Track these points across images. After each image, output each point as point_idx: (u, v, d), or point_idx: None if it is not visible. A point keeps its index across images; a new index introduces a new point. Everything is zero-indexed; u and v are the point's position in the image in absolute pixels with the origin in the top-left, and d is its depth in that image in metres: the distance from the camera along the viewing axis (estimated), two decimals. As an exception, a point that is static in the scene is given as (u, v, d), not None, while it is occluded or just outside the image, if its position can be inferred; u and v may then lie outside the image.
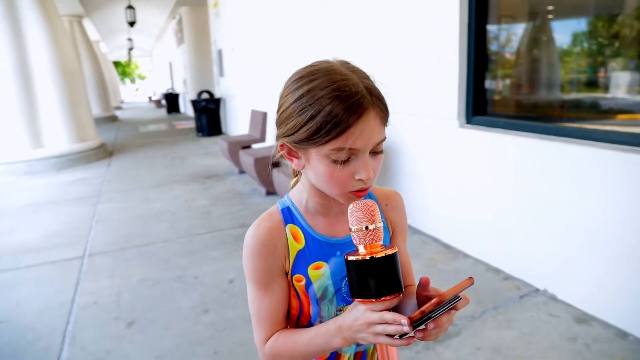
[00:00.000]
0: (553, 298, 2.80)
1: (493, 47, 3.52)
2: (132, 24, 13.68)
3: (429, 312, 0.69)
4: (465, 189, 3.45)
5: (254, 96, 8.61)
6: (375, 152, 0.81)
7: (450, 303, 0.72)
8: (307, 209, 0.91)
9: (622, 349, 2.29)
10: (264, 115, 7.20)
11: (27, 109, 7.90)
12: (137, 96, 49.85)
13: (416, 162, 3.98)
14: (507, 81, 3.64)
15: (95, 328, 2.72)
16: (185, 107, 19.28)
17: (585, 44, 3.05)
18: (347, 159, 0.77)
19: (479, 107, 3.40)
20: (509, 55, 3.61)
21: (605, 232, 2.48)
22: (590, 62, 3.01)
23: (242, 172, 6.94)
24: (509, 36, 3.56)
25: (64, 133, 8.39)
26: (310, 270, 0.88)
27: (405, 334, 0.71)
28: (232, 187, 5.96)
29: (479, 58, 3.34)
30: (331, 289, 0.89)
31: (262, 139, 7.06)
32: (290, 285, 0.90)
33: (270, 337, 0.89)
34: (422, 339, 0.75)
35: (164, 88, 26.81)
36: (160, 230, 4.48)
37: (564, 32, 3.21)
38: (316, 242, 0.89)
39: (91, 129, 9.41)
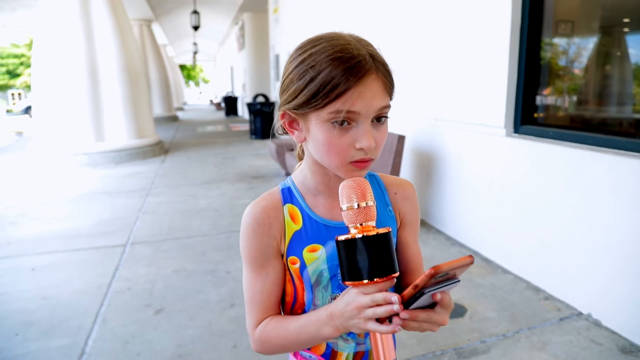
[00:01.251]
0: (597, 324, 2.60)
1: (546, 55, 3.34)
2: (196, 28, 14.22)
3: (422, 287, 0.64)
4: (509, 200, 3.29)
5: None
6: (378, 121, 0.77)
7: (448, 282, 0.67)
8: (308, 189, 0.88)
9: (669, 384, 2.09)
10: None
11: (93, 105, 8.36)
12: (200, 99, 51.75)
13: (461, 170, 3.85)
14: (556, 91, 3.45)
15: (126, 312, 2.81)
16: (243, 110, 19.77)
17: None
18: (347, 124, 0.74)
19: (527, 116, 3.24)
20: (561, 65, 3.42)
21: (657, 256, 2.27)
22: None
23: (288, 174, 6.99)
24: (560, 46, 3.38)
25: (125, 129, 8.81)
26: (306, 253, 0.84)
27: (397, 318, 0.67)
28: (276, 189, 5.98)
29: (529, 66, 3.18)
30: (326, 275, 0.85)
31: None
32: (286, 269, 0.87)
33: (261, 322, 0.86)
34: (411, 328, 0.69)
35: (225, 92, 27.64)
36: (201, 225, 4.58)
37: (622, 44, 3.00)
38: (314, 223, 0.85)
39: (150, 126, 9.82)
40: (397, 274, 0.70)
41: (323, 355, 0.90)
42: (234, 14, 16.36)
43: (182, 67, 45.34)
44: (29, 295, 3.08)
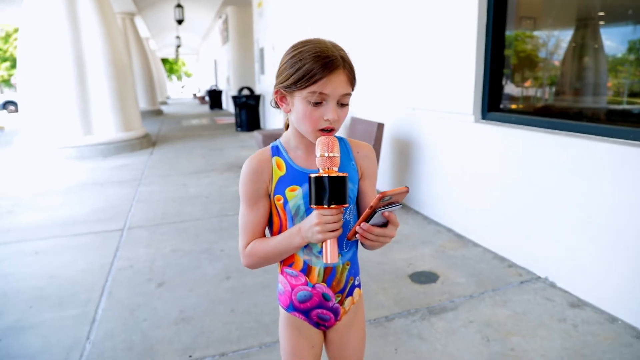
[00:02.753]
0: (552, 285, 2.94)
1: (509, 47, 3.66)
2: (180, 22, 14.31)
3: (375, 207, 0.96)
4: (478, 181, 3.62)
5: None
6: (342, 104, 1.08)
7: (393, 205, 0.99)
8: (290, 147, 1.18)
9: (608, 331, 2.42)
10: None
11: (81, 99, 8.50)
12: (182, 93, 51.40)
13: (436, 155, 4.17)
14: (517, 79, 3.78)
15: (130, 286, 3.07)
16: (228, 103, 19.90)
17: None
18: (319, 102, 1.04)
19: (493, 104, 3.56)
20: (521, 55, 3.75)
21: (603, 223, 2.60)
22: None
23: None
24: (522, 36, 3.70)
25: (112, 122, 8.96)
26: (287, 192, 1.14)
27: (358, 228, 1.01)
28: (263, 177, 6.24)
29: (494, 59, 3.50)
30: (302, 208, 1.14)
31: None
32: (273, 205, 1.17)
33: (250, 243, 1.17)
34: (370, 241, 1.02)
35: (209, 85, 27.66)
36: (194, 210, 4.84)
37: (577, 35, 3.33)
38: (294, 170, 1.15)
39: (137, 120, 9.98)
40: (347, 205, 1.01)
41: (302, 270, 1.19)
42: (218, 7, 16.44)
43: (165, 61, 44.99)
44: (37, 274, 3.31)
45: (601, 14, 3.22)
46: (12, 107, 27.46)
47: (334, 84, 1.03)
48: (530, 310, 2.64)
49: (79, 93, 8.46)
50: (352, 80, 1.09)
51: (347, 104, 1.09)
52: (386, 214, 0.99)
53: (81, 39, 8.46)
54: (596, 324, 2.50)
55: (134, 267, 3.38)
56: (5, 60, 37.53)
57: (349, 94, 1.08)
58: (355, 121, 4.98)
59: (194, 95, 35.68)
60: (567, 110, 3.37)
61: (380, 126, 4.39)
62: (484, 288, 2.92)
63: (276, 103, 1.15)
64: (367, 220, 0.98)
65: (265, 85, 12.10)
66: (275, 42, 10.43)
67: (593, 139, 2.67)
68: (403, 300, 2.78)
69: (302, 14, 8.09)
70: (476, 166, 3.64)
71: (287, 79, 1.06)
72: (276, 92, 1.13)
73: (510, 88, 3.80)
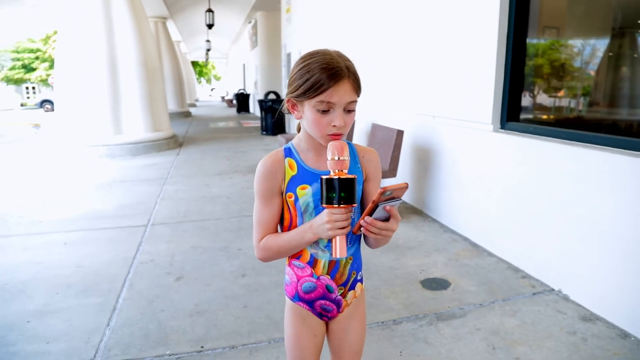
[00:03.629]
0: (565, 298, 2.94)
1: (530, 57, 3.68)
2: (210, 26, 14.64)
3: (377, 202, 1.03)
4: (495, 191, 3.63)
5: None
6: (348, 110, 1.16)
7: (394, 200, 1.07)
8: (302, 149, 1.27)
9: (619, 346, 2.41)
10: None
11: (112, 99, 8.81)
12: (211, 96, 52.29)
13: (455, 163, 4.19)
14: (540, 90, 3.79)
15: (150, 279, 3.20)
16: (255, 107, 20.20)
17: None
18: (327, 110, 1.13)
19: (512, 114, 3.58)
20: (546, 65, 3.75)
21: (619, 237, 2.59)
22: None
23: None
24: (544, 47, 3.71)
25: (142, 123, 9.24)
26: (298, 190, 1.23)
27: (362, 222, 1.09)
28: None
29: (514, 69, 3.52)
30: (311, 205, 1.22)
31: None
32: (285, 202, 1.26)
33: (264, 237, 1.26)
34: (374, 234, 1.09)
35: (237, 89, 28.10)
36: (215, 210, 4.98)
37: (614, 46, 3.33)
38: (305, 171, 1.24)
39: (165, 121, 10.26)
40: (356, 205, 1.09)
41: (308, 262, 1.27)
42: (247, 12, 16.76)
43: (194, 64, 45.89)
44: (64, 264, 3.48)
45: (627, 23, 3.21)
46: (48, 106, 28.50)
47: (339, 93, 1.11)
48: (539, 322, 2.65)
49: (111, 94, 8.76)
50: (356, 88, 1.16)
51: (353, 110, 1.17)
52: (387, 208, 1.06)
53: (115, 42, 8.77)
54: (607, 338, 2.49)
55: (154, 261, 3.51)
56: (44, 60, 38.99)
57: (354, 101, 1.16)
58: (375, 128, 5.04)
59: (222, 98, 36.27)
60: (588, 121, 3.36)
61: (400, 133, 4.45)
62: (495, 297, 2.94)
63: (288, 110, 1.24)
64: (370, 214, 1.07)
65: (292, 90, 12.25)
66: (302, 48, 10.58)
67: (611, 151, 2.66)
68: (412, 305, 2.82)
69: (329, 21, 8.21)
70: (493, 175, 3.65)
71: (297, 89, 1.15)
72: (288, 101, 1.22)
73: (532, 98, 3.81)
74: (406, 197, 5.29)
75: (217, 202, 5.34)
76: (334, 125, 1.13)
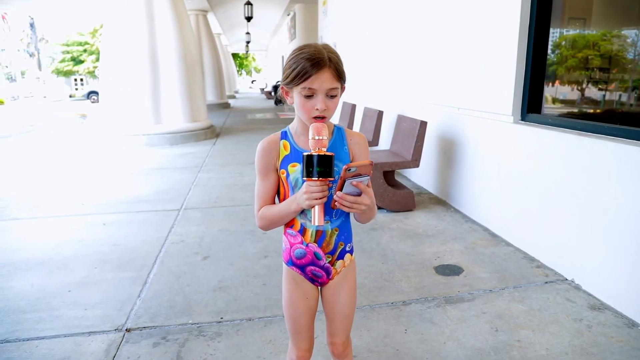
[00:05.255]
0: (577, 287, 2.98)
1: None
2: (249, 19, 14.95)
3: (344, 178, 1.18)
4: (514, 182, 3.68)
5: (348, 89, 9.16)
6: (331, 95, 1.31)
7: (361, 176, 1.20)
8: (295, 132, 1.44)
9: (623, 334, 2.45)
10: (353, 106, 7.72)
11: (153, 91, 9.20)
12: (251, 87, 53.01)
13: (477, 154, 4.24)
14: (560, 82, 3.78)
15: (179, 257, 3.45)
16: (291, 99, 20.37)
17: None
18: (310, 95, 1.29)
19: (533, 106, 3.60)
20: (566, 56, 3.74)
21: (635, 229, 2.62)
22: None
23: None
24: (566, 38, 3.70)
25: (180, 113, 9.62)
26: (289, 167, 1.40)
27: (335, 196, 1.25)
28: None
29: (535, 61, 3.54)
30: (300, 181, 1.38)
31: (349, 127, 7.57)
32: (279, 178, 1.43)
33: (262, 208, 1.44)
34: (346, 207, 1.25)
35: (275, 81, 28.45)
36: (245, 197, 5.21)
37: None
38: (296, 151, 1.41)
39: (203, 112, 10.62)
40: (333, 179, 1.24)
41: (299, 231, 1.44)
42: (286, 4, 16.97)
43: (235, 56, 46.67)
44: (102, 242, 3.79)
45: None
46: (94, 97, 29.73)
47: (320, 80, 1.27)
48: (546, 308, 2.71)
49: (152, 85, 9.16)
50: (337, 76, 1.31)
51: (335, 96, 1.33)
52: (354, 183, 1.21)
53: (156, 36, 9.15)
54: (613, 326, 2.53)
55: (184, 242, 3.77)
56: (92, 53, 40.62)
57: (336, 88, 1.31)
58: (401, 119, 5.13)
59: (262, 90, 36.77)
60: (604, 114, 3.35)
61: (423, 124, 4.52)
62: (506, 284, 3.02)
63: (283, 96, 1.41)
64: (341, 190, 1.22)
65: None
66: (337, 40, 10.69)
67: (629, 143, 2.68)
68: (423, 289, 2.94)
69: (362, 13, 8.28)
70: (513, 167, 3.70)
71: (287, 77, 1.31)
72: (282, 88, 1.39)
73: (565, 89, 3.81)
74: (430, 188, 5.36)
75: (248, 189, 5.57)
76: (317, 109, 1.29)
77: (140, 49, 8.98)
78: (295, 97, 1.33)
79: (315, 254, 1.45)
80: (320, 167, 1.21)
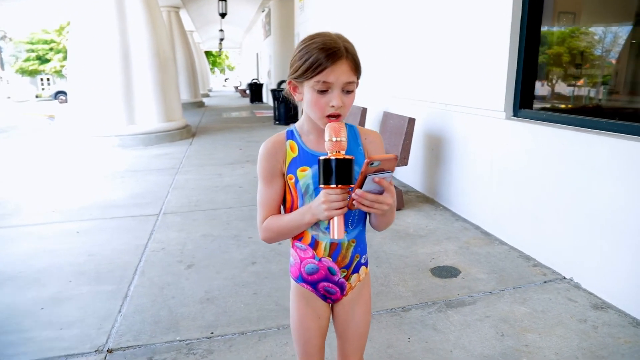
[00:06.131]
0: (577, 286, 2.90)
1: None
2: (223, 15, 14.63)
3: (365, 173, 1.02)
4: (507, 179, 3.59)
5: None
6: (347, 91, 1.16)
7: (384, 172, 1.04)
8: (303, 132, 1.28)
9: (630, 334, 2.38)
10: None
11: (125, 90, 8.85)
12: (225, 86, 52.36)
13: (466, 151, 4.15)
14: (553, 78, 3.72)
15: (161, 267, 3.24)
16: (268, 97, 20.18)
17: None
18: (325, 90, 1.13)
19: (525, 101, 3.52)
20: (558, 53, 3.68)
21: (631, 225, 2.55)
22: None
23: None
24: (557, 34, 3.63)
25: (154, 113, 9.28)
26: (298, 172, 1.24)
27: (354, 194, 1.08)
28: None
29: (527, 56, 3.45)
30: (311, 187, 1.23)
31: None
32: (285, 184, 1.27)
33: (267, 218, 1.27)
34: (366, 207, 1.08)
35: (250, 79, 28.11)
36: (227, 199, 5.00)
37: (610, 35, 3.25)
38: (305, 153, 1.25)
39: (178, 111, 10.31)
40: (352, 185, 1.08)
41: (310, 244, 1.28)
42: (261, 0, 16.69)
43: (208, 54, 45.96)
44: (77, 252, 3.54)
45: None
46: (62, 97, 28.83)
47: (337, 72, 1.11)
48: (550, 309, 2.62)
49: (124, 84, 8.80)
50: (355, 69, 1.16)
51: (352, 91, 1.17)
52: (377, 179, 1.05)
53: (127, 32, 8.79)
54: (618, 326, 2.46)
55: (166, 249, 3.55)
56: (58, 52, 39.34)
57: (352, 82, 1.16)
58: (387, 116, 5.00)
59: (236, 88, 36.29)
60: (598, 109, 3.30)
61: (412, 121, 4.41)
62: (505, 285, 2.92)
63: (290, 93, 1.24)
64: (361, 187, 1.06)
65: (304, 79, 12.21)
66: (314, 37, 10.50)
67: (626, 138, 2.61)
68: (422, 293, 2.82)
69: (341, 9, 8.13)
70: (505, 164, 3.61)
71: (297, 70, 1.15)
72: (289, 83, 1.22)
73: (550, 87, 3.74)
74: (417, 186, 5.26)
75: (229, 191, 5.36)
76: (332, 106, 1.13)
77: (111, 46, 8.61)
78: (306, 93, 1.17)
79: (329, 269, 1.29)
80: (339, 172, 1.06)
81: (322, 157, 1.08)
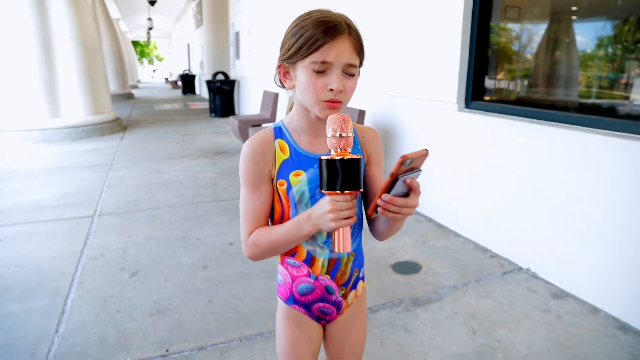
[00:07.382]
0: (534, 276, 2.94)
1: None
2: (152, 3, 13.89)
3: (396, 174, 0.85)
4: (460, 171, 3.59)
5: (268, 78, 8.75)
6: (348, 74, 0.98)
7: (413, 171, 0.89)
8: (295, 129, 1.08)
9: (591, 322, 2.43)
10: (276, 96, 7.35)
11: (47, 79, 8.11)
12: (154, 77, 50.16)
13: (417, 143, 4.11)
14: (504, 70, 3.76)
15: (102, 276, 2.92)
16: (201, 88, 19.49)
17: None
18: (322, 70, 0.95)
19: (477, 93, 3.52)
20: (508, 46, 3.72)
21: (585, 213, 2.60)
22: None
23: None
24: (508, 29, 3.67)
25: (81, 105, 8.60)
26: (291, 177, 1.04)
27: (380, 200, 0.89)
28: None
29: (479, 49, 3.45)
30: (307, 194, 1.04)
31: (272, 119, 7.22)
32: (275, 191, 1.07)
33: (253, 231, 1.06)
34: (392, 213, 0.90)
35: (181, 70, 27.04)
36: (168, 197, 4.68)
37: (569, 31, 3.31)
38: (298, 154, 1.05)
39: (107, 103, 9.64)
40: (361, 190, 0.90)
41: (304, 261, 1.10)
42: (191, -11, 16.00)
43: (135, 44, 43.78)
44: (1, 263, 3.12)
45: (574, 8, 3.20)
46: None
47: (337, 50, 0.94)
48: (514, 301, 2.62)
49: (45, 73, 8.06)
50: (358, 48, 0.99)
51: (354, 75, 1.00)
52: (408, 181, 0.89)
53: (48, 17, 8.04)
54: (579, 315, 2.50)
55: (105, 256, 3.22)
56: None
57: (355, 65, 0.99)
58: (335, 108, 4.88)
59: (166, 79, 34.82)
60: (551, 101, 3.36)
61: (362, 113, 4.31)
62: (467, 279, 2.90)
63: (280, 81, 1.06)
64: (388, 191, 0.88)
65: (241, 70, 11.86)
66: (252, 26, 10.19)
67: (577, 129, 2.65)
68: (386, 291, 2.72)
69: (280, -2, 7.90)
70: (458, 155, 3.60)
71: (289, 49, 0.98)
72: (279, 67, 1.04)
73: (499, 81, 3.77)
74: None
75: (170, 188, 5.03)
76: (331, 89, 0.96)
77: (27, 33, 7.82)
78: (299, 76, 0.98)
79: (327, 288, 1.13)
80: (346, 175, 0.87)
81: (324, 157, 0.89)
